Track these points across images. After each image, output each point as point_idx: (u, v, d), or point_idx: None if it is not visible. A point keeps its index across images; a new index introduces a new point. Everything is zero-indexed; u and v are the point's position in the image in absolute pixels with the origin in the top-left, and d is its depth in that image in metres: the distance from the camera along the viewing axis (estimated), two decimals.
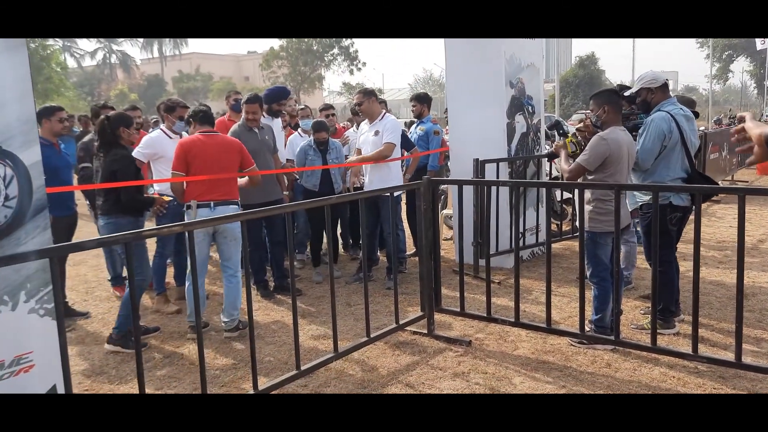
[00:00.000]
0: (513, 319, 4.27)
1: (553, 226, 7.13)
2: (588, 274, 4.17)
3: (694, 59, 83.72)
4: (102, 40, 55.73)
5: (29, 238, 2.87)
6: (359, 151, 5.94)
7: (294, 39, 43.08)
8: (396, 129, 5.75)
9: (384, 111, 5.95)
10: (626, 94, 4.65)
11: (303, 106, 7.28)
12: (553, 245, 6.84)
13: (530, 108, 6.60)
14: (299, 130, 6.64)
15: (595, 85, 44.79)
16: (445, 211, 7.81)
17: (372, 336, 4.11)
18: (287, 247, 3.71)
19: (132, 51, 57.95)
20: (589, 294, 4.15)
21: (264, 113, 5.80)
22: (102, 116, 4.63)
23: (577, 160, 4.13)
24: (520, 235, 6.38)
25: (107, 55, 56.95)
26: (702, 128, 16.62)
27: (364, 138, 5.86)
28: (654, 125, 4.30)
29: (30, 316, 2.88)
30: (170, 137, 5.32)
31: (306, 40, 43.14)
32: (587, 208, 4.10)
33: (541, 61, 6.78)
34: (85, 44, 54.53)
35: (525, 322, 4.30)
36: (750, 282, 5.51)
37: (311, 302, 5.47)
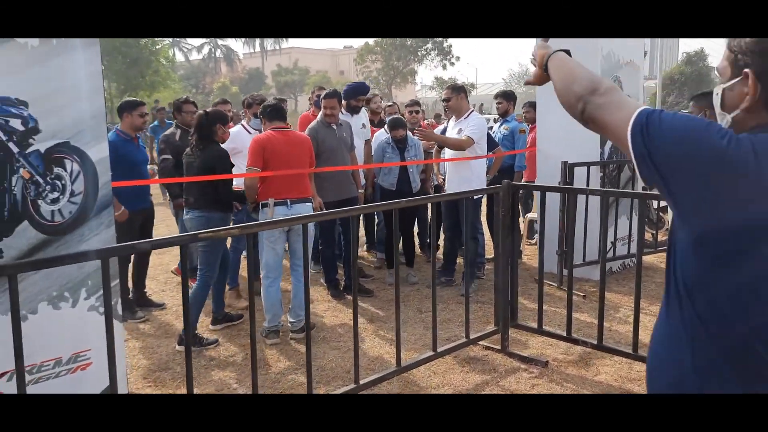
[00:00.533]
0: (595, 341, 3.92)
1: (648, 235, 6.61)
2: None
3: None
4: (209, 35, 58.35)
5: (92, 234, 2.87)
6: (439, 150, 5.75)
7: None
8: (480, 127, 5.50)
9: (471, 109, 5.70)
10: None
11: (390, 103, 7.13)
12: (648, 257, 6.33)
13: None
14: (385, 127, 6.48)
15: (703, 83, 41.92)
16: (530, 215, 7.43)
17: (439, 350, 3.89)
18: (359, 247, 3.55)
19: (235, 46, 60.25)
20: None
21: (343, 109, 5.70)
22: (201, 111, 4.66)
23: None
24: (611, 245, 5.98)
25: (213, 49, 59.56)
26: None
27: (448, 135, 5.68)
28: None
29: (90, 313, 2.89)
30: (249, 132, 5.34)
31: None
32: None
33: (641, 58, 6.27)
34: (194, 39, 57.21)
35: (608, 346, 3.95)
36: None
37: (382, 305, 5.31)
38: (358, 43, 50.77)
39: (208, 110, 4.65)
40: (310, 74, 52.21)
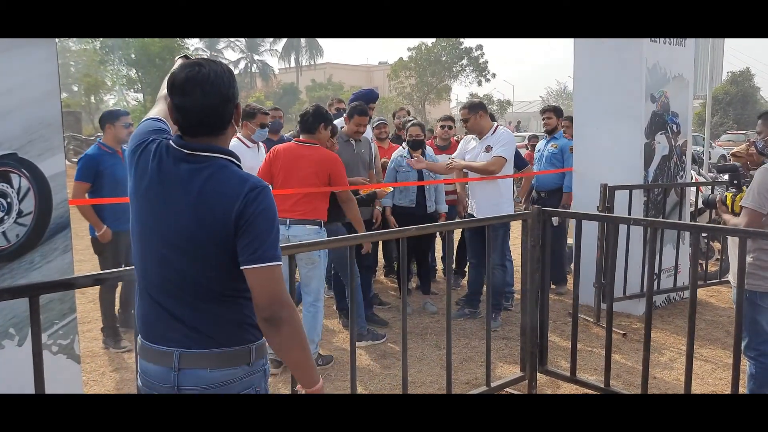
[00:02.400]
0: (640, 392, 3.35)
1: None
2: (743, 344, 3.19)
3: None
4: (245, 51, 59.09)
5: (44, 261, 2.46)
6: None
7: (423, 50, 42.84)
8: (510, 143, 4.95)
9: (496, 124, 5.14)
10: None
11: (411, 119, 6.66)
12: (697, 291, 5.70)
13: (675, 127, 5.52)
14: (403, 144, 6.00)
15: (748, 103, 40.52)
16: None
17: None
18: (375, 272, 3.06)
19: (271, 61, 60.79)
20: (708, 368, 3.16)
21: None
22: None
23: (742, 203, 3.13)
24: (655, 277, 5.38)
25: (248, 64, 60.23)
26: None
27: (472, 155, 5.04)
28: None
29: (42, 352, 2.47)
30: (248, 146, 4.84)
31: (435, 51, 42.72)
32: (747, 259, 3.11)
33: (690, 72, 5.68)
34: (229, 54, 57.86)
35: None
36: None
37: (398, 338, 4.79)
38: (392, 58, 50.65)
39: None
40: (344, 90, 52.26)
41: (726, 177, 3.95)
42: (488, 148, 4.90)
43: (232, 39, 58.80)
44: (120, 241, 4.34)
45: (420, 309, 5.43)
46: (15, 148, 2.34)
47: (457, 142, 7.11)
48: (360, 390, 3.41)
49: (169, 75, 1.65)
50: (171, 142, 1.67)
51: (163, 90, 1.77)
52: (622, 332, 4.85)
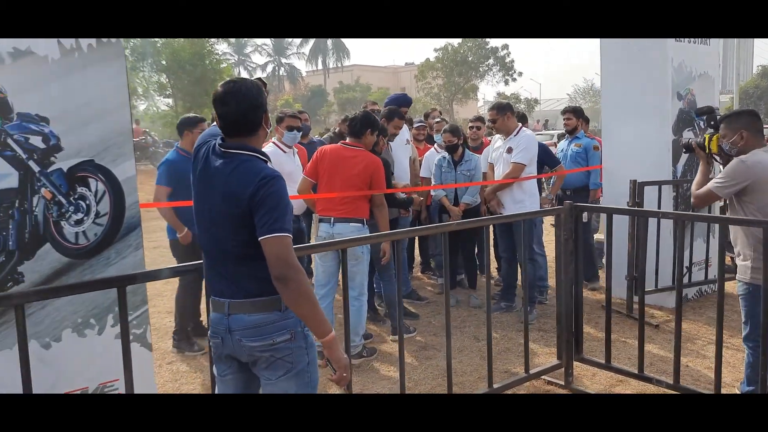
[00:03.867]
0: (672, 381, 3.49)
1: (728, 260, 6.03)
2: (743, 334, 3.32)
3: None
4: (272, 55, 59.80)
5: (119, 258, 2.71)
6: (491, 168, 5.43)
7: (449, 50, 42.89)
8: (530, 146, 5.17)
9: (520, 125, 5.34)
10: None
11: (439, 119, 6.84)
12: (728, 284, 5.75)
13: (702, 123, 5.61)
14: (435, 145, 6.19)
15: None
16: (596, 236, 6.94)
17: (495, 386, 3.53)
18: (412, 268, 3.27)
19: (299, 64, 61.46)
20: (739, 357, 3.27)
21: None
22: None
23: (708, 184, 3.31)
24: (686, 270, 5.47)
25: (276, 67, 60.98)
26: None
27: (497, 154, 5.34)
28: None
29: (118, 341, 2.72)
30: (284, 151, 5.06)
31: (461, 51, 42.73)
32: (746, 252, 3.23)
33: (717, 70, 5.77)
34: (258, 58, 58.91)
35: (686, 387, 3.50)
36: None
37: (437, 331, 4.99)
38: (419, 59, 50.72)
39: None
40: (372, 91, 52.52)
41: (702, 119, 4.02)
42: (509, 150, 5.15)
43: (259, 43, 59.67)
44: (195, 242, 4.44)
45: (463, 302, 5.61)
46: (92, 155, 2.60)
47: (489, 141, 7.29)
48: (406, 380, 3.60)
49: (213, 92, 2.16)
50: (216, 142, 2.15)
51: None
52: (655, 323, 4.96)
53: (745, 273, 3.24)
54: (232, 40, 47.10)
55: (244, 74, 56.95)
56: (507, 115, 5.20)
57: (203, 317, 5.11)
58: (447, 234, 3.26)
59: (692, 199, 3.55)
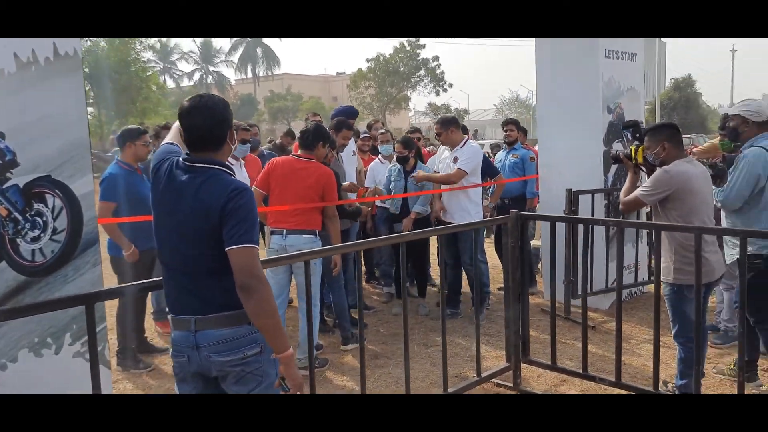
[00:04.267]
0: (614, 378, 3.71)
1: (652, 262, 6.44)
2: (673, 332, 3.60)
3: None
4: (200, 62, 58.47)
5: (78, 274, 2.66)
6: None
7: (381, 60, 43.38)
8: (474, 157, 5.41)
9: (466, 137, 5.59)
10: (726, 113, 4.21)
11: (383, 131, 6.97)
12: (652, 285, 6.15)
13: (629, 136, 5.98)
14: (379, 156, 6.31)
15: (691, 108, 42.33)
16: (532, 243, 7.23)
17: (450, 391, 3.65)
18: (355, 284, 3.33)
19: (227, 72, 60.13)
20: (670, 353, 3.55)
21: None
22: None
23: (635, 192, 3.61)
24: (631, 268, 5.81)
25: (204, 75, 59.61)
26: None
27: (444, 164, 5.57)
28: (747, 163, 3.69)
29: (75, 360, 2.67)
30: (231, 163, 5.04)
31: (393, 61, 43.30)
32: (669, 255, 3.50)
33: (642, 84, 6.17)
34: (184, 66, 57.34)
35: (628, 384, 3.73)
36: None
37: (385, 340, 5.08)
38: (350, 69, 51.00)
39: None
40: (303, 100, 52.35)
41: (628, 133, 4.41)
42: (456, 159, 5.37)
43: (185, 50, 58.20)
44: (144, 260, 4.36)
45: (412, 311, 5.69)
46: (50, 170, 2.54)
47: (429, 152, 7.49)
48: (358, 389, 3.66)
49: (179, 106, 2.18)
50: (180, 158, 2.17)
51: (177, 121, 2.28)
52: (592, 325, 5.23)
53: (668, 274, 3.50)
54: (158, 46, 45.82)
55: (170, 82, 55.53)
56: (451, 129, 5.42)
57: (147, 334, 5.02)
58: (404, 244, 3.36)
59: (621, 206, 3.84)
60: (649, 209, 6.52)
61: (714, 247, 3.52)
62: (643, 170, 3.80)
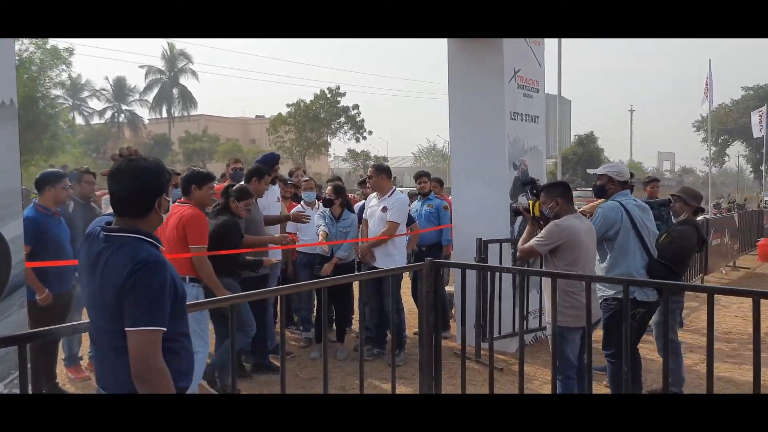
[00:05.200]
0: None
1: None
2: (555, 369, 3.93)
3: (692, 141, 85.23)
4: (111, 100, 56.77)
5: (4, 316, 2.67)
6: (366, 223, 5.96)
7: (301, 106, 43.88)
8: (403, 208, 5.80)
9: (394, 187, 5.95)
10: (590, 171, 4.83)
11: (307, 178, 7.20)
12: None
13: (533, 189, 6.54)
14: (302, 202, 6.51)
15: (594, 162, 45.36)
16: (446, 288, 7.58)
17: None
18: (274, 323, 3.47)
19: (140, 111, 58.56)
20: None
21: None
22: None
23: (530, 242, 4.04)
24: (523, 318, 6.20)
25: (116, 113, 57.86)
26: (703, 215, 16.59)
27: (371, 211, 5.92)
28: (602, 212, 4.28)
29: None
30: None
31: (313, 107, 43.90)
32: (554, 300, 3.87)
33: (543, 143, 6.76)
34: (95, 103, 55.23)
35: None
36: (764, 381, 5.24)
37: (303, 384, 5.19)
38: (270, 112, 51.09)
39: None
40: (221, 142, 51.78)
41: (527, 189, 4.95)
42: (384, 209, 5.71)
43: (97, 87, 56.39)
44: (55, 304, 4.29)
45: (330, 356, 5.82)
46: None
47: (352, 198, 7.80)
48: None
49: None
50: (100, 226, 2.08)
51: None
52: (500, 367, 5.57)
53: (553, 317, 3.84)
54: (68, 83, 44.13)
55: (79, 119, 53.48)
56: (383, 176, 5.84)
57: (59, 380, 4.89)
58: (326, 290, 3.55)
59: (518, 253, 4.24)
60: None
61: (594, 293, 3.96)
62: (540, 223, 4.23)
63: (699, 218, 10.12)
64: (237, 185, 4.99)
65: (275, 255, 5.61)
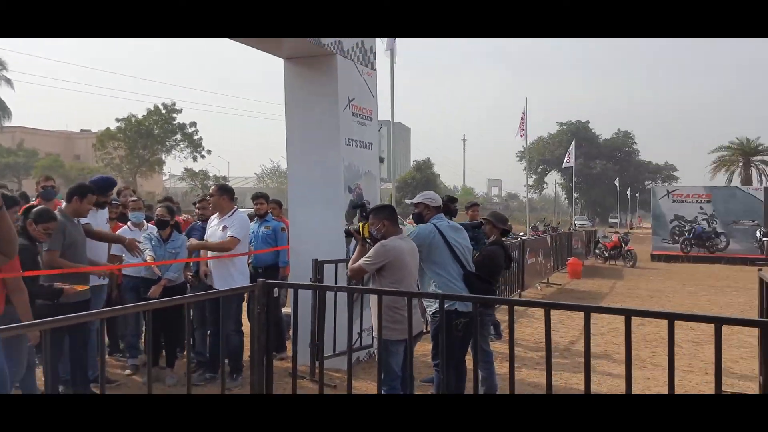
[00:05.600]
0: None
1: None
2: (381, 380, 4.16)
3: (516, 170, 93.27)
4: None
5: None
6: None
7: (133, 121, 41.48)
8: (243, 226, 5.80)
9: (235, 207, 5.93)
10: (407, 201, 5.32)
11: (135, 198, 6.91)
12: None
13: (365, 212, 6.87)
14: (129, 223, 6.23)
15: (431, 186, 48.07)
16: (284, 310, 7.62)
17: None
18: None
19: None
20: None
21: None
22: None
23: (359, 261, 4.29)
24: (357, 336, 6.44)
25: None
26: (522, 234, 18.32)
27: (212, 231, 5.85)
28: (416, 232, 4.66)
29: None
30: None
31: (146, 123, 41.68)
32: (379, 315, 4.09)
33: (377, 168, 7.14)
34: None
35: None
36: (562, 383, 5.93)
37: None
38: (97, 126, 47.63)
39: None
40: (39, 157, 47.28)
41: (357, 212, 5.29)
42: (224, 228, 5.68)
43: None
44: None
45: (160, 382, 5.60)
46: None
47: (184, 220, 7.59)
48: None
49: None
50: None
51: None
52: (333, 384, 5.72)
53: (377, 332, 4.12)
54: None
55: None
56: (224, 197, 5.81)
57: None
58: (151, 312, 3.46)
59: (348, 272, 4.46)
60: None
61: (415, 309, 4.27)
62: (369, 243, 4.48)
63: (517, 239, 11.14)
64: (38, 207, 4.68)
65: (96, 280, 5.33)
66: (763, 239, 20.42)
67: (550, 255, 14.30)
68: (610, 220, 65.07)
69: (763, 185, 40.87)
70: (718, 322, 2.82)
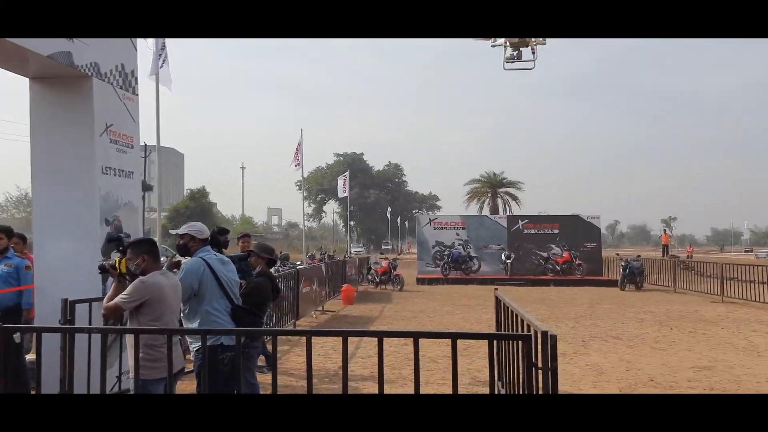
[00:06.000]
0: None
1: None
2: None
3: (297, 199, 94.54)
4: None
5: None
6: None
7: None
8: None
9: None
10: (171, 232, 5.15)
11: None
12: None
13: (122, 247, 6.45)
14: None
15: (206, 216, 46.55)
16: (29, 357, 6.77)
17: None
18: None
19: None
20: None
21: None
22: None
23: (116, 299, 4.09)
24: (116, 379, 5.96)
25: None
26: (299, 263, 18.64)
27: None
28: (187, 268, 4.61)
29: None
30: None
31: None
32: (136, 355, 3.94)
33: (140, 199, 6.77)
34: None
35: None
36: None
37: None
38: None
39: None
40: None
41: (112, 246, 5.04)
42: None
43: None
44: None
45: None
46: None
47: None
48: None
49: None
50: None
51: None
52: None
53: (135, 371, 3.90)
54: None
55: None
56: None
57: None
58: None
59: (102, 311, 4.18)
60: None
61: (176, 345, 4.13)
62: (127, 279, 4.22)
63: (293, 268, 11.26)
64: None
65: None
66: (507, 261, 23.38)
67: (325, 282, 14.73)
68: (383, 247, 69.27)
69: (507, 213, 47.18)
70: (454, 337, 3.34)
